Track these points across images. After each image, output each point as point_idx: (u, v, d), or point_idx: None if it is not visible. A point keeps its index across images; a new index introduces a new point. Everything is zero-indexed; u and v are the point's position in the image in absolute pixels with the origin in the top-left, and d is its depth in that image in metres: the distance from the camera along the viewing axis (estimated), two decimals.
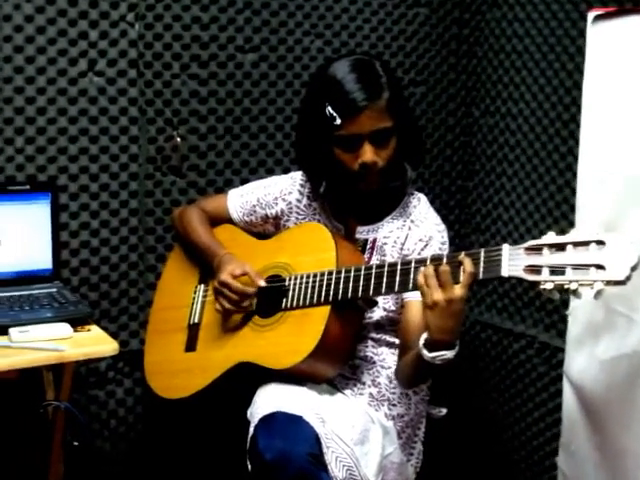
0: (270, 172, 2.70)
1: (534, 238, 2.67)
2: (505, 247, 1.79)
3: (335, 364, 2.09)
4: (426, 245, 2.13)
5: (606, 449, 2.01)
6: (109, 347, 2.04)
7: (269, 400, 1.99)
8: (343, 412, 2.03)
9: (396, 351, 2.20)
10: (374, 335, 2.18)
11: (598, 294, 1.68)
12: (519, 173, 2.83)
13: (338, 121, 2.02)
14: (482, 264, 1.81)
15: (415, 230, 2.15)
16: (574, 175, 2.56)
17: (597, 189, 2.07)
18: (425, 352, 1.88)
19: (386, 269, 1.96)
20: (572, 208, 2.58)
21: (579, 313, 2.07)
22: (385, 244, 2.16)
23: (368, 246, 2.18)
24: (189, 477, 2.61)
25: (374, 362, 2.17)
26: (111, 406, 2.59)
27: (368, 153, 2.03)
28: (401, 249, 2.15)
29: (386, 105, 2.03)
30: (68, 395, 2.13)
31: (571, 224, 2.57)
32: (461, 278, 1.81)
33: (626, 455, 1.95)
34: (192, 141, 2.58)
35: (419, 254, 2.12)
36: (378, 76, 2.05)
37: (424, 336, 1.90)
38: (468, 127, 3.01)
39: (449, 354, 1.87)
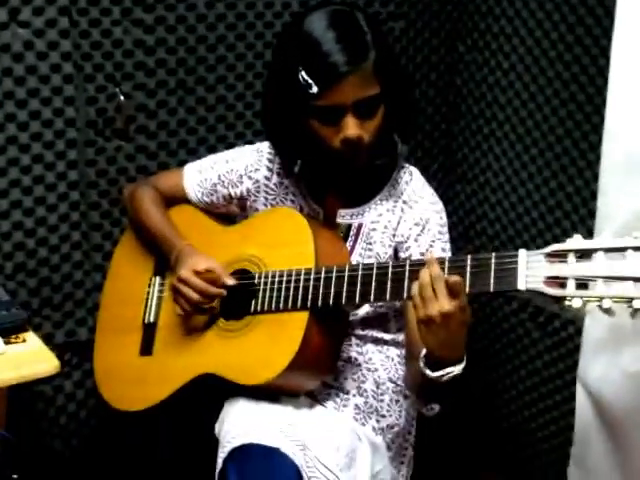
0: (231, 129, 2.36)
1: (530, 196, 2.50)
2: (522, 253, 1.49)
3: (315, 377, 1.80)
4: (423, 229, 1.83)
5: (628, 471, 1.75)
6: (48, 366, 1.74)
7: (240, 425, 1.71)
8: (326, 433, 1.75)
9: (383, 347, 1.93)
10: (359, 332, 1.90)
11: (636, 313, 1.39)
12: (512, 118, 2.50)
13: (315, 89, 1.67)
14: (493, 273, 1.50)
15: (409, 212, 1.84)
16: (577, 124, 2.26)
17: (625, 178, 1.74)
18: (428, 372, 1.60)
19: (375, 272, 1.65)
20: (574, 161, 2.29)
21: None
22: (373, 230, 1.85)
23: (352, 232, 1.86)
24: (149, 473, 2.33)
25: (359, 364, 1.89)
26: (60, 401, 2.30)
27: (352, 127, 1.69)
28: (393, 235, 1.84)
29: (372, 68, 1.69)
30: (3, 422, 1.81)
31: (571, 179, 2.29)
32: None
33: None
34: (138, 99, 2.21)
35: (415, 240, 1.82)
36: (362, 32, 1.70)
37: (423, 352, 1.61)
38: (453, 65, 2.66)
39: (456, 370, 1.59)
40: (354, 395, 1.86)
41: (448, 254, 1.84)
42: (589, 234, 1.96)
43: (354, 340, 1.88)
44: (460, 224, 2.72)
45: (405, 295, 1.60)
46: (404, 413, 1.91)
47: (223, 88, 2.32)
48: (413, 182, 1.87)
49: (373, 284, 1.64)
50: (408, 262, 1.61)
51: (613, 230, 1.73)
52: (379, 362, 1.90)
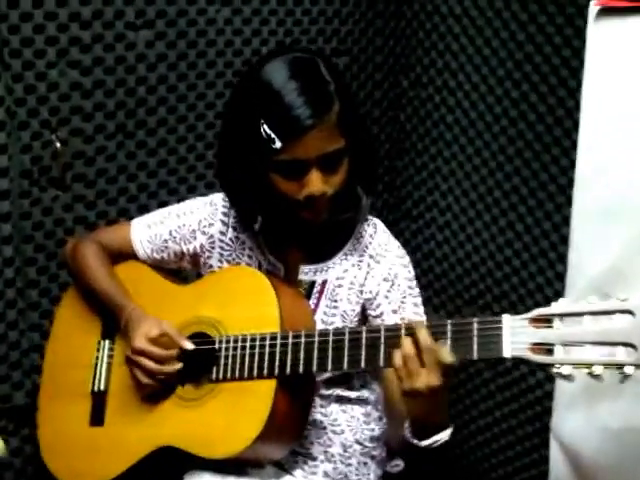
0: (173, 173, 2.24)
1: (478, 234, 2.45)
2: (506, 318, 1.42)
3: (284, 446, 1.71)
4: (392, 285, 1.75)
5: None
6: None
7: None
8: None
9: (347, 407, 1.84)
10: (323, 392, 1.81)
11: (625, 379, 1.34)
12: (458, 155, 2.47)
13: (278, 144, 1.57)
14: (476, 339, 1.43)
15: (376, 267, 1.75)
16: (526, 162, 2.23)
17: (599, 228, 1.69)
18: (416, 442, 1.54)
19: (347, 338, 1.56)
20: (523, 199, 2.25)
21: None
22: (339, 286, 1.76)
23: (315, 289, 1.77)
24: None
25: (324, 427, 1.80)
26: None
27: (316, 182, 1.60)
28: (361, 292, 1.75)
29: (337, 121, 1.60)
30: None
31: (521, 217, 2.25)
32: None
33: None
34: (76, 145, 2.07)
35: (386, 297, 1.74)
36: (325, 83, 1.60)
37: (408, 422, 1.53)
38: (396, 99, 2.61)
39: (444, 437, 1.53)
40: (322, 461, 1.77)
41: (420, 309, 1.77)
42: (558, 279, 1.93)
43: (318, 401, 1.79)
44: None
45: (382, 364, 1.51)
46: (372, 476, 1.83)
47: (164, 131, 2.20)
48: (378, 235, 1.79)
49: (346, 351, 1.55)
50: (383, 327, 1.53)
51: (586, 284, 1.69)
52: (345, 423, 1.81)
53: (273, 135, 1.57)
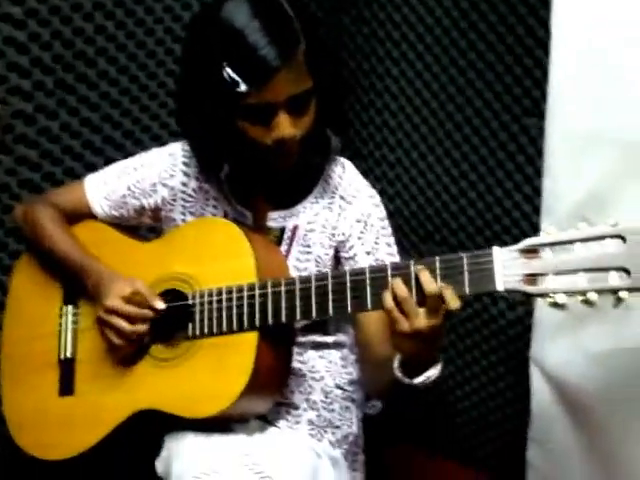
0: (118, 128, 2.15)
1: (432, 170, 2.37)
2: (496, 251, 1.39)
3: (269, 399, 1.66)
4: (365, 226, 1.70)
5: (595, 450, 1.71)
6: None
7: (197, 464, 1.54)
8: (286, 457, 1.61)
9: (324, 352, 1.80)
10: (299, 339, 1.76)
11: (619, 303, 1.33)
12: (407, 90, 2.39)
13: (243, 88, 1.49)
14: (467, 275, 1.40)
15: (348, 209, 1.70)
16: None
17: (575, 157, 1.66)
18: (407, 380, 1.50)
19: (330, 282, 1.51)
20: (474, 146, 2.17)
21: None
22: (311, 231, 1.70)
23: (286, 236, 1.71)
24: None
25: (303, 374, 1.76)
26: None
27: (285, 126, 1.53)
28: (333, 234, 1.71)
29: (305, 60, 1.52)
30: None
31: (483, 160, 2.19)
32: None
33: (630, 460, 1.66)
34: (15, 104, 1.95)
35: (359, 238, 1.69)
36: (289, 19, 1.52)
37: (398, 359, 1.49)
38: (338, 38, 2.52)
39: (436, 372, 1.49)
40: (305, 409, 1.73)
41: (394, 249, 1.73)
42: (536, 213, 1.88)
43: (295, 348, 1.74)
44: None
45: (370, 307, 1.47)
46: (355, 420, 1.80)
47: (107, 84, 2.09)
48: (347, 175, 1.73)
49: (330, 296, 1.50)
50: (368, 269, 1.48)
51: (565, 211, 1.67)
52: (324, 369, 1.78)
53: (237, 78, 1.49)
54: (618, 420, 1.66)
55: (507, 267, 1.38)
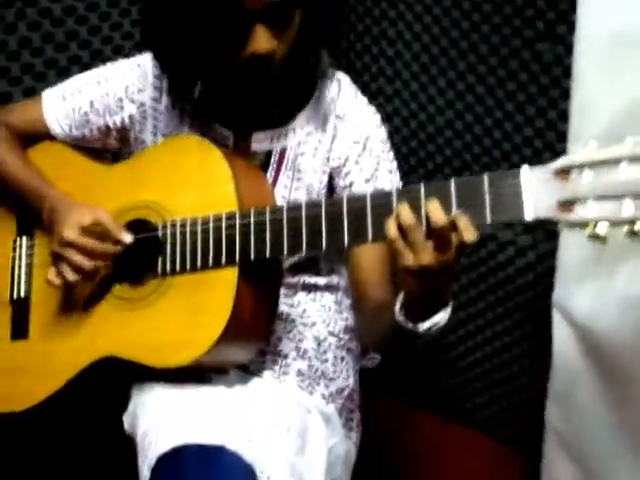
0: (85, 47, 1.90)
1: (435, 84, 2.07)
2: (525, 171, 1.15)
3: (250, 347, 1.45)
4: (364, 149, 1.48)
5: (630, 412, 1.50)
6: None
7: (165, 422, 1.34)
8: (270, 413, 1.40)
9: (317, 295, 1.60)
10: (288, 280, 1.55)
11: None
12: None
13: None
14: (488, 201, 1.16)
15: (344, 128, 1.48)
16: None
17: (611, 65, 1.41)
18: (410, 325, 1.26)
19: (324, 210, 1.27)
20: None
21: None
22: (302, 155, 1.48)
23: (273, 160, 1.49)
24: None
25: (292, 320, 1.55)
26: None
27: (262, 40, 1.31)
28: (327, 159, 1.48)
29: None
30: None
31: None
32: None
33: None
34: None
35: (357, 163, 1.47)
36: None
37: (401, 300, 1.27)
38: None
39: (445, 317, 1.26)
40: (294, 359, 1.52)
41: (396, 176, 1.50)
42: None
43: (282, 290, 1.52)
44: None
45: (371, 237, 1.23)
46: (351, 372, 1.59)
47: None
48: (344, 91, 1.50)
49: (324, 227, 1.27)
50: (369, 194, 1.24)
51: (597, 132, 1.43)
52: (315, 314, 1.57)
53: None
54: None
55: (538, 191, 1.14)
